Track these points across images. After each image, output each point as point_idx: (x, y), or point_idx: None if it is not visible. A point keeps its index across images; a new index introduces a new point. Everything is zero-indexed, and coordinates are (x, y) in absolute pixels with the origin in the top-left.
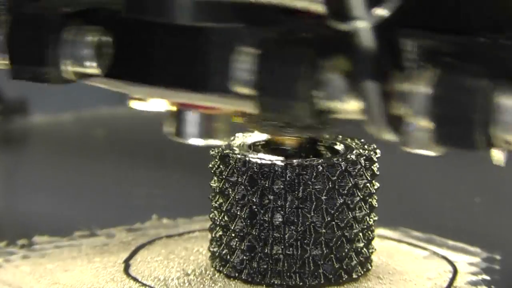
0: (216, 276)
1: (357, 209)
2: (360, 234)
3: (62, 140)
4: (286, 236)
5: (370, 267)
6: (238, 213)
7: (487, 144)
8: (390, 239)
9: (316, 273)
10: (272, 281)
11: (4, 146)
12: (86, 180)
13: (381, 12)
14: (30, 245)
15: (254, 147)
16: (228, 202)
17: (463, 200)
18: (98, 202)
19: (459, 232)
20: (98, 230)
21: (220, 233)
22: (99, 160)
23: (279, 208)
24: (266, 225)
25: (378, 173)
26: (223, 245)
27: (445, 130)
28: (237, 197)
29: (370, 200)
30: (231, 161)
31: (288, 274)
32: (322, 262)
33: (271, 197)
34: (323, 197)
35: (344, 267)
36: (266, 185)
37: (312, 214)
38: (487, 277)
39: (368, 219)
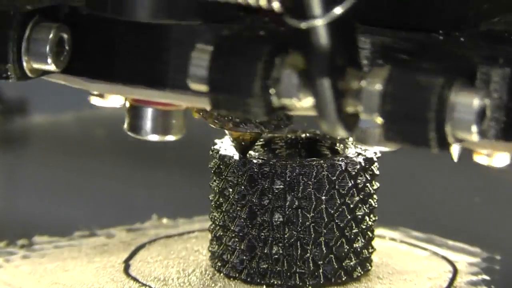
0: (216, 276)
1: (357, 209)
2: (360, 234)
3: (62, 140)
4: (286, 236)
5: (370, 267)
6: (238, 213)
7: (441, 141)
8: (390, 239)
9: (316, 273)
10: (272, 281)
11: (4, 146)
12: (86, 180)
13: (337, 10)
14: (30, 245)
15: (254, 147)
16: (228, 202)
17: (463, 200)
18: (98, 202)
19: (459, 232)
20: (98, 230)
21: (220, 233)
22: (99, 160)
23: (279, 208)
24: (266, 225)
25: (378, 173)
26: (223, 245)
27: (398, 127)
28: (237, 197)
29: (370, 200)
30: (231, 161)
31: (288, 274)
32: (322, 262)
33: (271, 197)
34: (323, 197)
35: (344, 267)
36: (266, 185)
37: (312, 214)
38: (487, 277)
39: (368, 219)
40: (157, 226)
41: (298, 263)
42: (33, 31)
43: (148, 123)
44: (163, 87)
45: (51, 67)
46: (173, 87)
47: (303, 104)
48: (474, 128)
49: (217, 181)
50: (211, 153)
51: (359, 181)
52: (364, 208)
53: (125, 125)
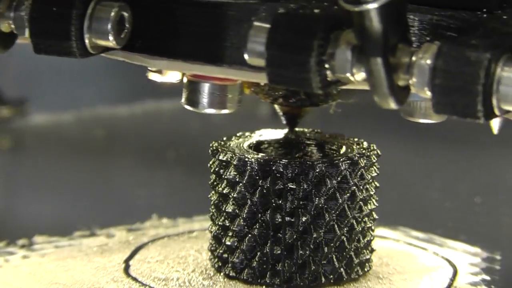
0: (216, 276)
1: (357, 209)
2: (360, 234)
3: (62, 140)
4: (286, 236)
5: (370, 267)
6: (238, 213)
7: (488, 113)
8: (390, 239)
9: (316, 273)
10: (272, 281)
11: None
12: (86, 180)
13: None
14: (30, 245)
15: (254, 146)
16: (228, 202)
17: (463, 200)
18: (98, 202)
19: (459, 232)
20: (98, 230)
21: (220, 233)
22: (99, 160)
23: (279, 208)
24: (266, 225)
25: (378, 173)
26: (223, 245)
27: (448, 99)
28: (237, 197)
29: (370, 200)
30: (231, 160)
31: (288, 274)
32: (322, 262)
33: (271, 197)
34: (323, 197)
35: (344, 267)
36: (266, 185)
37: (312, 214)
38: (487, 277)
39: (368, 219)
40: (157, 226)
41: (298, 263)
42: (95, 9)
43: (205, 98)
44: (221, 63)
45: (112, 44)
46: (231, 63)
47: (357, 78)
48: None
49: (217, 181)
50: (211, 153)
51: (359, 181)
52: (364, 208)
53: (183, 100)
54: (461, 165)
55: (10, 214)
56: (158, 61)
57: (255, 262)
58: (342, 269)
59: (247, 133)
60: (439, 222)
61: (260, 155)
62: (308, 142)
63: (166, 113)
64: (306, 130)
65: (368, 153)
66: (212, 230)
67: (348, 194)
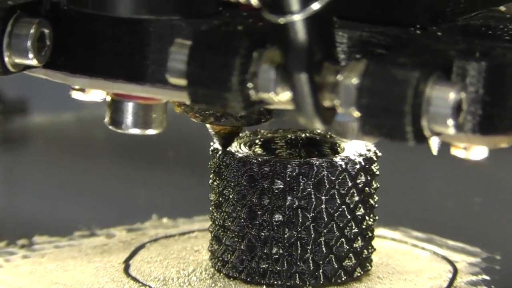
0: (216, 276)
1: (357, 209)
2: (360, 234)
3: (62, 140)
4: (286, 236)
5: (370, 267)
6: (238, 213)
7: (418, 135)
8: (390, 239)
9: (316, 273)
10: (272, 281)
11: (4, 146)
12: (86, 180)
13: (315, 5)
14: (30, 245)
15: (254, 147)
16: (228, 202)
17: (463, 200)
18: (98, 202)
19: (459, 232)
20: (98, 230)
21: (220, 233)
22: (99, 160)
23: (279, 208)
24: (266, 225)
25: (378, 173)
26: (223, 245)
27: (376, 121)
28: (237, 197)
29: (370, 200)
30: (231, 161)
31: (288, 274)
32: (322, 262)
33: (271, 197)
34: (323, 197)
35: (344, 267)
36: (266, 185)
37: (312, 214)
38: (487, 277)
39: (368, 219)
40: (157, 226)
41: (298, 263)
42: (14, 26)
43: (129, 117)
44: (143, 82)
45: (33, 62)
46: (152, 81)
47: (281, 98)
48: (450, 122)
49: (217, 181)
50: (211, 153)
51: (359, 181)
52: (364, 208)
53: (106, 119)
54: (461, 165)
55: (10, 214)
56: (79, 79)
57: (255, 262)
58: (342, 269)
59: (246, 133)
60: (439, 222)
61: (260, 155)
62: (308, 142)
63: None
64: (306, 130)
65: (368, 153)
66: (212, 230)
67: (348, 194)
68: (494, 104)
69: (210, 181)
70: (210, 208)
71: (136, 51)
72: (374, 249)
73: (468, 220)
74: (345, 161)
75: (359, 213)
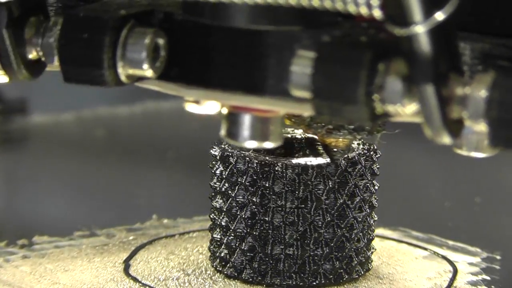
0: (216, 276)
1: (357, 209)
2: (360, 234)
3: (62, 140)
4: (286, 236)
5: (370, 267)
6: (238, 213)
7: None
8: (390, 239)
9: (316, 273)
10: (272, 281)
11: (4, 146)
12: (86, 180)
13: (439, 16)
14: (30, 245)
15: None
16: (228, 202)
17: (463, 200)
18: (98, 202)
19: (459, 232)
20: (98, 230)
21: (220, 233)
22: (99, 160)
23: (279, 208)
24: (266, 225)
25: (378, 173)
26: (223, 245)
27: (505, 133)
28: (237, 197)
29: (370, 200)
30: (231, 161)
31: (288, 274)
32: (322, 262)
33: (271, 197)
34: (323, 197)
35: (344, 267)
36: (266, 185)
37: (312, 214)
38: (487, 277)
39: (368, 219)
40: (157, 226)
41: (298, 263)
42: (128, 36)
43: (246, 130)
44: (262, 93)
45: (147, 73)
46: (272, 93)
47: (407, 110)
48: None
49: (217, 181)
50: (211, 153)
51: (359, 181)
52: (365, 208)
53: (222, 132)
54: (461, 165)
55: (10, 214)
56: (195, 91)
57: (255, 262)
58: (342, 269)
59: None
60: (439, 222)
61: (260, 155)
62: (308, 142)
63: (166, 113)
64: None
65: (368, 153)
66: (212, 230)
67: (348, 194)
68: None
69: (210, 181)
70: (210, 208)
71: (255, 63)
72: (374, 249)
73: (468, 220)
74: (345, 161)
75: (359, 213)
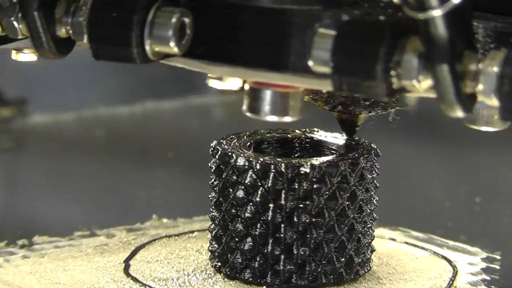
0: (216, 276)
1: (357, 209)
2: (360, 234)
3: (62, 140)
4: (286, 236)
5: (370, 267)
6: (238, 213)
7: None
8: (390, 239)
9: (316, 273)
10: (272, 281)
11: (4, 146)
12: (86, 180)
13: (455, 0)
14: (30, 245)
15: (254, 146)
16: (228, 202)
17: (463, 200)
18: (98, 202)
19: (459, 232)
20: (98, 230)
21: (220, 233)
22: (99, 160)
23: (279, 208)
24: (266, 225)
25: (378, 173)
26: (223, 245)
27: None
28: (237, 197)
29: (370, 200)
30: (231, 160)
31: (288, 274)
32: (322, 262)
33: (271, 197)
34: (323, 197)
35: (344, 267)
36: (266, 185)
37: (312, 214)
38: (487, 277)
39: (368, 219)
40: (157, 226)
41: (298, 263)
42: (156, 15)
43: (267, 105)
44: (284, 70)
45: (173, 50)
46: (294, 69)
47: (422, 86)
48: None
49: (217, 181)
50: (211, 153)
51: (359, 181)
52: (364, 208)
53: (244, 107)
54: (461, 165)
55: (10, 214)
56: (219, 68)
57: (255, 262)
58: (342, 269)
59: (247, 133)
60: (439, 222)
61: (260, 155)
62: (308, 142)
63: (166, 113)
64: (306, 130)
65: (368, 153)
66: (212, 230)
67: (348, 194)
68: None
69: (210, 181)
70: (210, 208)
71: (278, 40)
72: (374, 249)
73: (468, 220)
74: (345, 161)
75: (359, 213)
